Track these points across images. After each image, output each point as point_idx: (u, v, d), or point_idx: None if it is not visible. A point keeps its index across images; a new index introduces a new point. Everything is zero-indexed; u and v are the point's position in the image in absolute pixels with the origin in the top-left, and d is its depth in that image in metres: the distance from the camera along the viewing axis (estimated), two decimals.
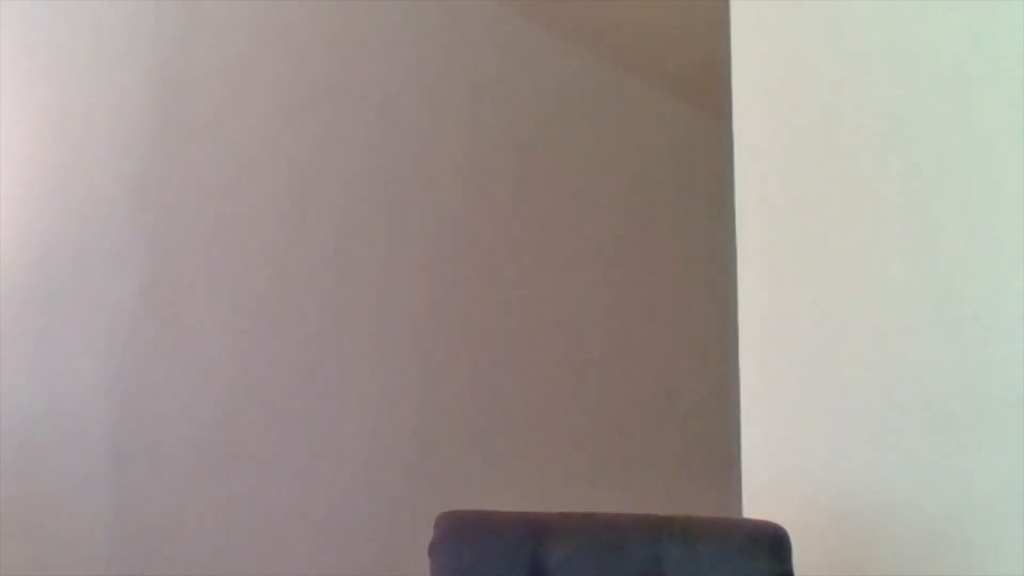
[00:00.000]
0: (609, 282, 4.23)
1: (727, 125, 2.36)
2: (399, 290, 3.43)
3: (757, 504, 2.15)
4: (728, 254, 2.34)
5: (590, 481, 3.78)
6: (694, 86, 4.37)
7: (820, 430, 2.14)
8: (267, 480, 3.04)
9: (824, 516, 2.09)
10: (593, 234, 4.17)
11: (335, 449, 3.20)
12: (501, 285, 3.79)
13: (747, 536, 1.76)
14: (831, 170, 2.21)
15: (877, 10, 2.20)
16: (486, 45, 3.83)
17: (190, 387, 2.91)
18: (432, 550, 1.81)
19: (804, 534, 1.85)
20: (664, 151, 4.56)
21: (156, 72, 2.95)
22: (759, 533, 1.75)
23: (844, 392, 2.12)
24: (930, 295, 2.07)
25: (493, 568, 1.76)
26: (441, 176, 3.61)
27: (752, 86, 2.34)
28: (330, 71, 3.33)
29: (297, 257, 3.19)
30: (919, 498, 2.02)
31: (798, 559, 1.75)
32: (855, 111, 2.20)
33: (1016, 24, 2.05)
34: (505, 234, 3.83)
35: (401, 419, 3.39)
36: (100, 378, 2.76)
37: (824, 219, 2.20)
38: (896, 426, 2.06)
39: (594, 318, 4.14)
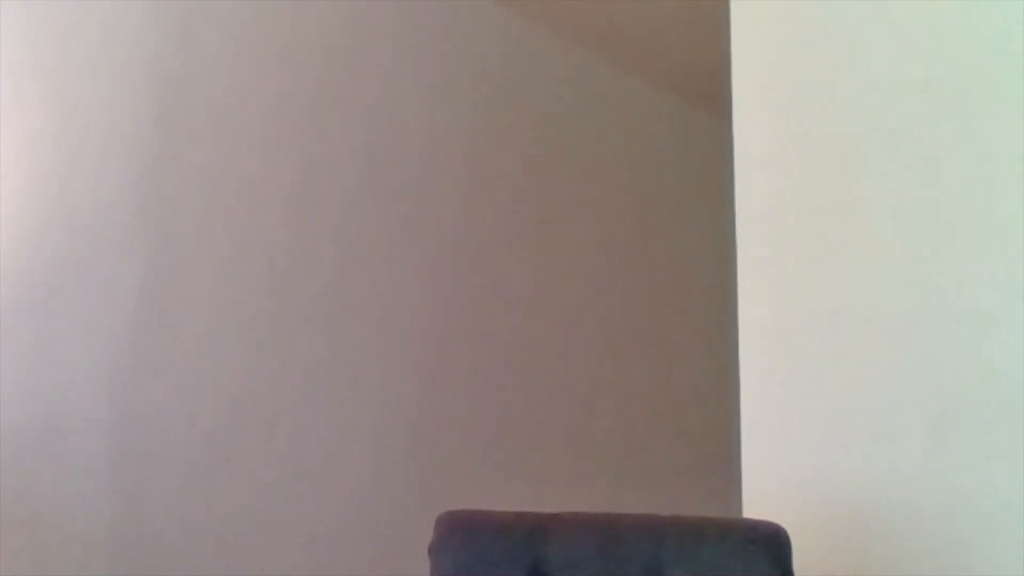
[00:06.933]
0: (609, 281, 4.23)
1: (727, 124, 2.36)
2: (400, 289, 3.43)
3: (757, 504, 2.15)
4: (728, 254, 2.34)
5: (590, 481, 3.78)
6: (694, 85, 4.37)
7: (820, 430, 2.14)
8: (267, 480, 3.04)
9: (824, 516, 2.09)
10: (593, 234, 4.17)
11: (335, 449, 3.20)
12: (501, 285, 3.79)
13: (747, 536, 1.75)
14: (832, 169, 2.21)
15: (878, 8, 2.20)
16: (486, 44, 3.83)
17: (190, 387, 2.91)
18: (432, 550, 1.81)
19: (804, 534, 1.84)
20: (664, 151, 4.56)
21: (156, 72, 2.95)
22: (759, 533, 1.75)
23: (844, 393, 2.12)
24: (931, 295, 2.07)
25: (493, 568, 1.76)
26: (441, 176, 3.61)
27: (752, 85, 2.34)
28: (330, 71, 3.33)
29: (298, 258, 3.19)
30: (919, 498, 2.02)
31: (798, 559, 1.75)
32: (856, 110, 2.20)
33: (1020, 23, 2.05)
34: (505, 234, 3.82)
35: (401, 419, 3.39)
36: (100, 378, 2.76)
37: (824, 219, 2.20)
38: (896, 427, 2.06)
39: (594, 318, 4.14)
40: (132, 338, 2.82)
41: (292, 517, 3.06)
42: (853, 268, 2.15)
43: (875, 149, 2.17)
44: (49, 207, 2.73)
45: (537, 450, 3.79)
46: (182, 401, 2.89)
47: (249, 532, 2.97)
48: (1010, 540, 1.92)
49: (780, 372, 2.21)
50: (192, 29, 3.03)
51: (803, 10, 2.29)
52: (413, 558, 2.05)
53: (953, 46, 2.12)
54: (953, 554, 1.97)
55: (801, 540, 1.78)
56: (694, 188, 4.57)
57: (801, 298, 2.21)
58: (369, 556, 3.19)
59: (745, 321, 2.27)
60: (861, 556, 2.04)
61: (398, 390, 3.38)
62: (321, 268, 3.24)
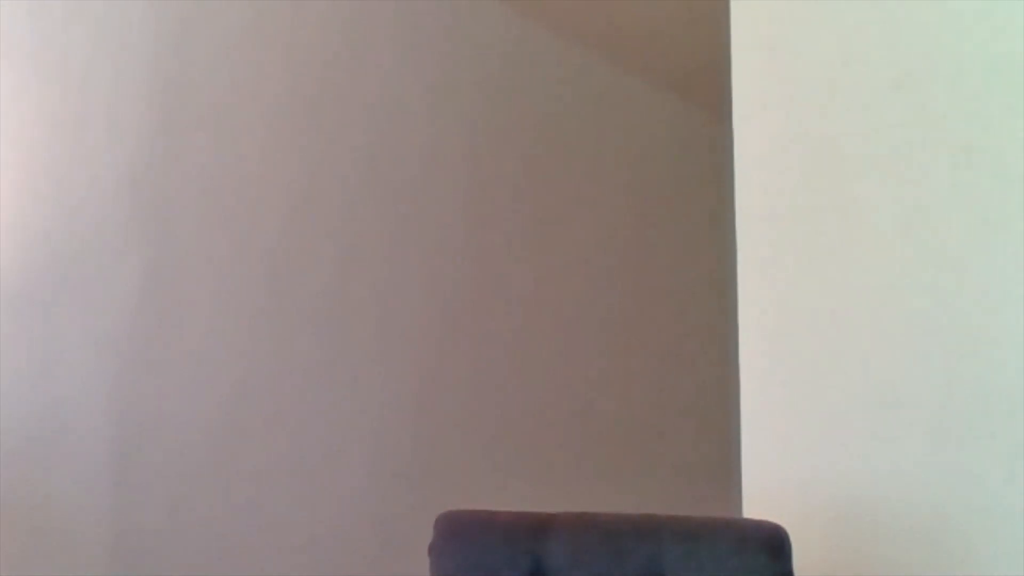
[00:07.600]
0: (609, 282, 4.23)
1: (727, 124, 2.36)
2: (400, 289, 3.43)
3: (757, 504, 2.15)
4: (728, 254, 2.34)
5: (590, 481, 3.78)
6: (694, 86, 4.37)
7: (820, 431, 2.14)
8: (267, 480, 3.04)
9: (824, 516, 2.09)
10: (593, 234, 4.17)
11: (335, 449, 3.19)
12: (501, 286, 3.79)
13: (747, 536, 1.75)
14: (832, 169, 2.21)
15: (878, 9, 2.20)
16: (486, 44, 3.83)
17: (190, 387, 2.91)
18: (432, 550, 1.81)
19: (804, 534, 1.85)
20: (664, 151, 4.56)
21: (156, 72, 2.95)
22: (759, 533, 1.75)
23: (844, 393, 2.12)
24: (930, 296, 2.07)
25: (493, 568, 1.76)
26: (441, 176, 3.61)
27: (752, 85, 2.34)
28: (330, 71, 3.33)
29: (298, 258, 3.19)
30: (919, 498, 2.02)
31: (798, 559, 1.75)
32: (856, 110, 2.20)
33: (1018, 23, 2.05)
34: (505, 235, 3.82)
35: (401, 419, 3.39)
36: (100, 378, 2.76)
37: (824, 219, 2.20)
38: (896, 427, 2.06)
39: (594, 318, 4.13)
40: (132, 338, 2.82)
41: (292, 517, 3.06)
42: (853, 268, 2.15)
43: (875, 149, 2.17)
44: (49, 207, 2.73)
45: (537, 450, 3.79)
46: (182, 401, 2.89)
47: (248, 532, 2.97)
48: (1010, 540, 1.92)
49: (780, 372, 2.21)
50: (192, 29, 3.03)
51: (803, 10, 2.29)
52: (413, 558, 2.05)
53: (953, 46, 2.12)
54: (953, 554, 1.97)
55: (801, 540, 1.78)
56: (694, 188, 4.57)
57: (801, 298, 2.21)
58: (369, 556, 3.19)
59: (745, 321, 2.27)
60: (861, 556, 2.04)
61: (398, 390, 3.38)
62: (321, 268, 3.24)
